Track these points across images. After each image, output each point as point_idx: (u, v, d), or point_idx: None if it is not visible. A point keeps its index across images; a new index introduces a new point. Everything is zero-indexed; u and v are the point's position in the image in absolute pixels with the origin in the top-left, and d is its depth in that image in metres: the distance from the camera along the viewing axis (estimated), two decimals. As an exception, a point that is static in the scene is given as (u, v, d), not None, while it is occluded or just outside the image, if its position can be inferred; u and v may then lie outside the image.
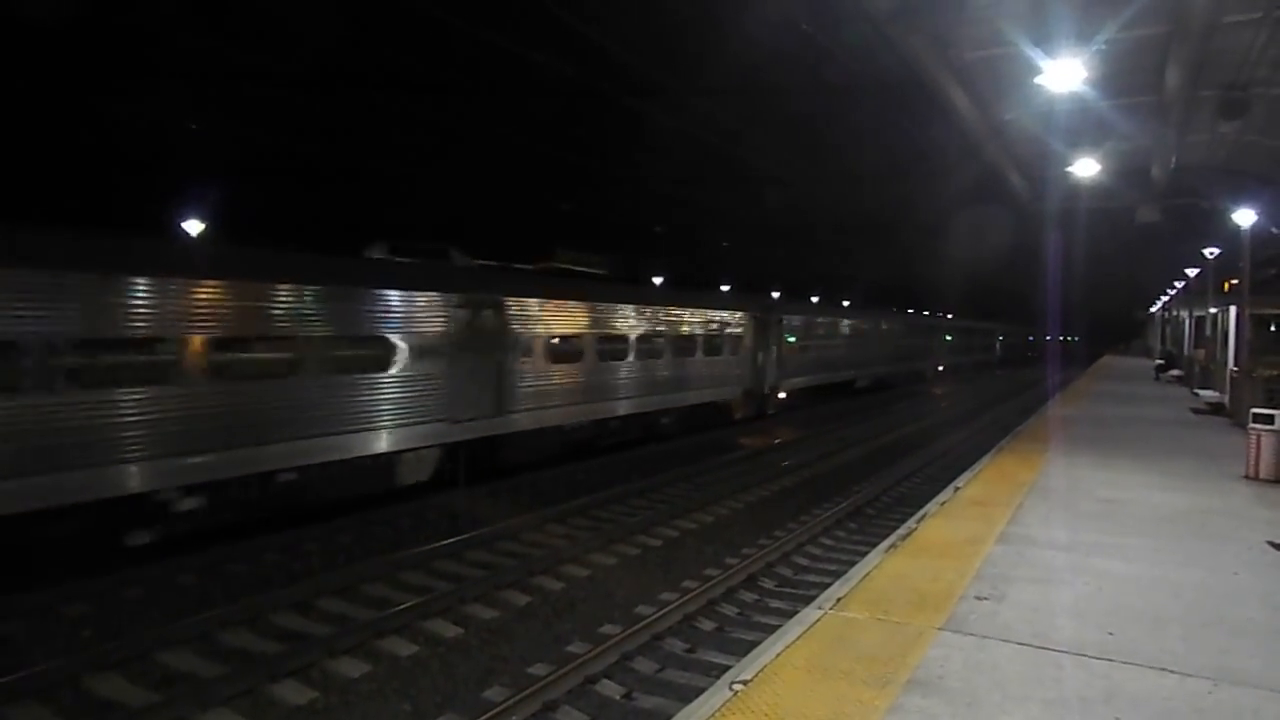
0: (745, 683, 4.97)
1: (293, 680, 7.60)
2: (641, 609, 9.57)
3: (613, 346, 18.19)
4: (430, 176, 22.20)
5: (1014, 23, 8.30)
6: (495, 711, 6.83)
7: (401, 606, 9.23)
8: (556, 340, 16.14)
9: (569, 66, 14.45)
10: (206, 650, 8.22)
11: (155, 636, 8.21)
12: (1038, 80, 9.14)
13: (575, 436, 17.20)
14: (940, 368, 51.58)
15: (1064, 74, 9.19)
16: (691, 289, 27.67)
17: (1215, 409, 21.48)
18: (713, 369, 22.27)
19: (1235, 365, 21.74)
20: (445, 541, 11.66)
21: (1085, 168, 13.53)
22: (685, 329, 21.12)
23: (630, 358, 18.65)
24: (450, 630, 8.92)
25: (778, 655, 5.42)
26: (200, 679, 7.55)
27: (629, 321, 18.78)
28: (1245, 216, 18.40)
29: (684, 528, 13.34)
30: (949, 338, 55.44)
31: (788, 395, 27.15)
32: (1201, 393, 24.79)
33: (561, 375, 16.14)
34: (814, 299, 42.22)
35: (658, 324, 19.92)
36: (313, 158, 20.25)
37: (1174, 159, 13.05)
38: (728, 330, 22.92)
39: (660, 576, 10.92)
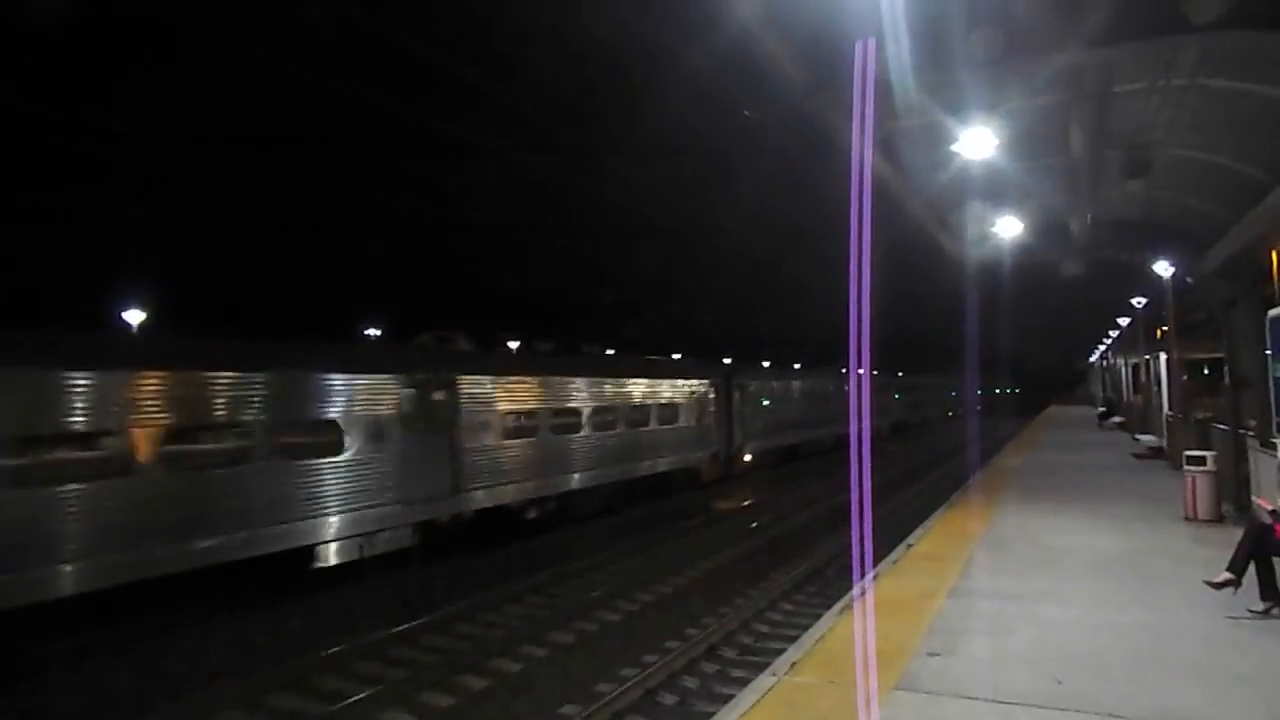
0: (699, 754, 4.93)
1: (237, 785, 7.30)
2: (601, 686, 9.41)
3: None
4: (356, 251, 22.17)
5: (926, 95, 8.76)
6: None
7: (354, 699, 8.96)
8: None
9: (490, 137, 14.85)
10: (146, 758, 7.86)
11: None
12: (953, 148, 9.71)
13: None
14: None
15: (977, 141, 9.78)
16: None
17: (1155, 453, 22.13)
18: None
19: (1170, 410, 22.53)
20: (400, 627, 11.38)
21: (1009, 226, 14.21)
22: None
23: None
24: (404, 721, 8.67)
25: (731, 724, 5.40)
26: (138, 790, 7.21)
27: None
28: (1164, 268, 19.34)
29: (643, 600, 13.22)
30: (769, 404, 30.33)
31: None
32: (1141, 438, 25.53)
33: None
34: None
35: None
36: (236, 237, 20.21)
37: (1089, 215, 13.80)
38: None
39: (620, 652, 10.76)
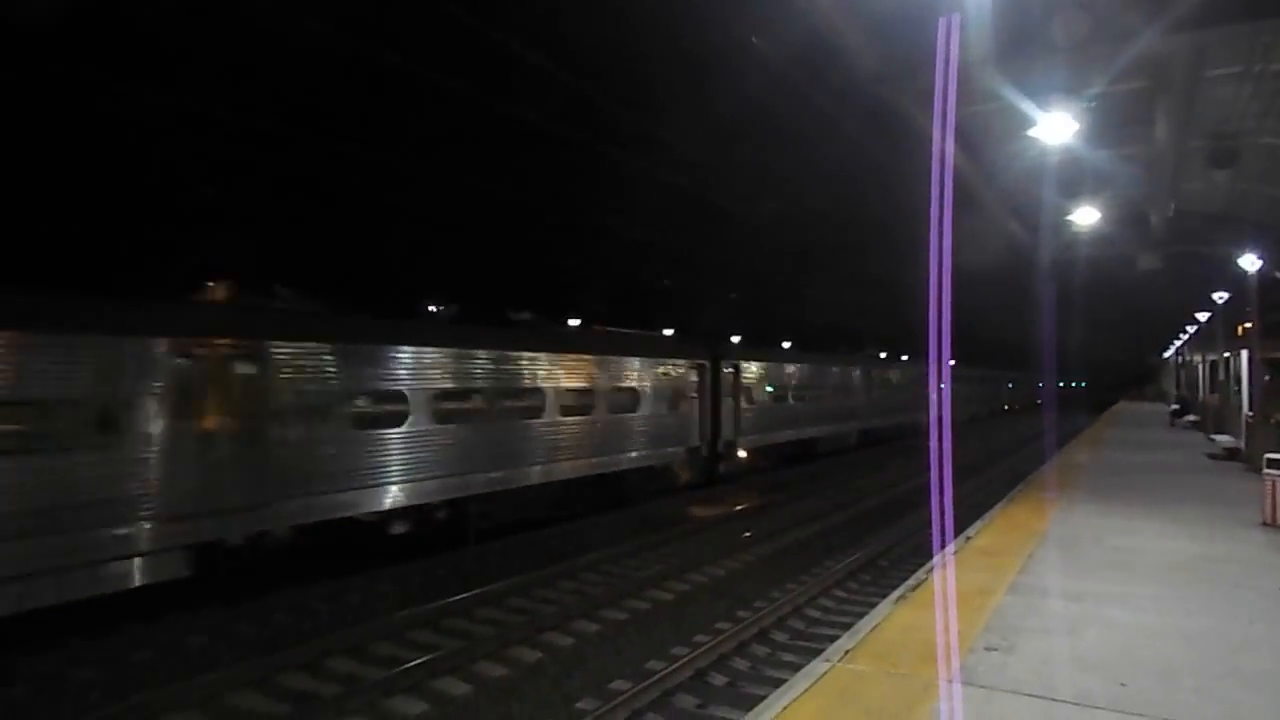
0: (750, 737, 4.95)
1: (300, 741, 7.55)
2: (652, 664, 9.49)
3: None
4: (422, 235, 22.31)
5: (1005, 79, 8.52)
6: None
7: (410, 664, 9.20)
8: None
9: (558, 122, 14.82)
10: (214, 712, 8.20)
11: (162, 699, 8.20)
12: (1031, 133, 9.42)
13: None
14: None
15: (1056, 127, 9.45)
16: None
17: (1231, 454, 21.26)
18: None
19: (1250, 410, 21.61)
20: (455, 598, 11.63)
21: (1085, 216, 13.73)
22: None
23: None
24: (459, 688, 8.87)
25: (784, 709, 5.39)
26: (208, 741, 7.52)
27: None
28: (1250, 262, 18.51)
29: (696, 581, 13.27)
30: (774, 390, 25.99)
31: None
32: (1217, 438, 24.55)
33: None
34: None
35: None
36: (303, 213, 20.51)
37: (1172, 206, 13.25)
38: None
39: (671, 631, 10.83)
